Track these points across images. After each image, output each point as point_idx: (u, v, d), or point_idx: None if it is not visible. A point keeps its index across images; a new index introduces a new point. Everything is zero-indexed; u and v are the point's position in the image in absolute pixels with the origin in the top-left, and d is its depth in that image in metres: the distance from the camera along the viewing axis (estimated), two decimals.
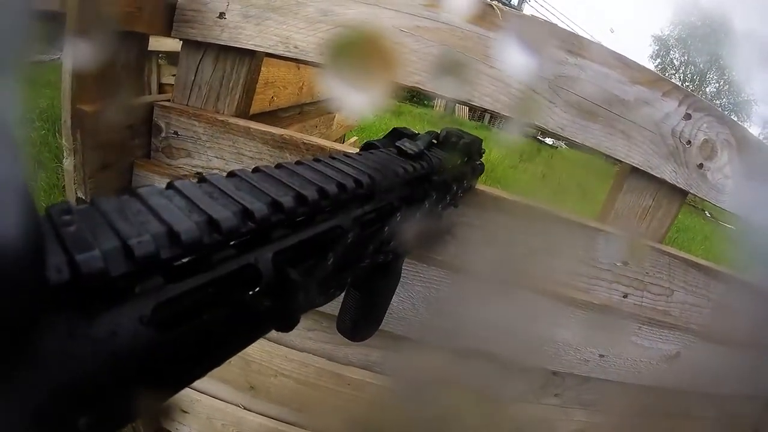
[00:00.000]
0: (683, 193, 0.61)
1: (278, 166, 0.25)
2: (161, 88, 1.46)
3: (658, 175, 0.59)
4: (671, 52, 18.32)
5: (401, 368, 0.67)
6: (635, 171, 0.59)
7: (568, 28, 0.59)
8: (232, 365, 0.68)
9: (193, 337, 0.18)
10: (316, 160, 0.28)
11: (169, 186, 0.19)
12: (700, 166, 0.60)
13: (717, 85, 17.70)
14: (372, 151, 0.36)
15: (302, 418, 0.72)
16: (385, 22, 0.55)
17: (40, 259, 0.13)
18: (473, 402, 0.62)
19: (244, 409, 0.72)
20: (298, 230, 0.22)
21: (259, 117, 0.85)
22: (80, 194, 0.53)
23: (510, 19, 0.55)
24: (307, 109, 1.23)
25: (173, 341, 0.17)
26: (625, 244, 0.61)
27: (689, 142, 0.59)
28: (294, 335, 0.65)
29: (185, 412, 0.74)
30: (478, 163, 0.52)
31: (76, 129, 0.50)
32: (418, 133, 0.45)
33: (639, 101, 0.56)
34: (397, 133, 0.43)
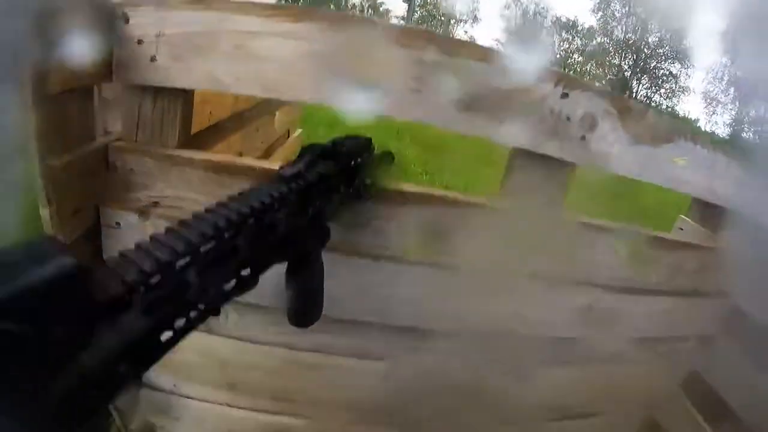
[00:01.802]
0: (571, 165, 0.69)
1: (182, 222, 0.32)
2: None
3: (544, 152, 0.66)
4: (611, 4, 18.70)
5: (350, 347, 0.73)
6: (523, 151, 0.66)
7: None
8: (210, 368, 0.74)
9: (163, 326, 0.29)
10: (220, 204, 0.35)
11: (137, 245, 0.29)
12: (583, 138, 0.67)
13: (659, 34, 18.25)
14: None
15: (283, 406, 0.79)
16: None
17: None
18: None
19: (229, 406, 0.78)
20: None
21: (204, 134, 0.88)
22: (60, 237, 0.57)
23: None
24: (247, 116, 1.25)
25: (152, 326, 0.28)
26: (523, 219, 0.68)
27: (569, 118, 0.65)
28: (258, 331, 0.71)
29: (176, 419, 0.79)
30: (370, 157, 0.59)
31: (48, 183, 0.55)
32: (327, 144, 0.51)
33: (517, 88, 0.63)
34: (305, 152, 0.50)
